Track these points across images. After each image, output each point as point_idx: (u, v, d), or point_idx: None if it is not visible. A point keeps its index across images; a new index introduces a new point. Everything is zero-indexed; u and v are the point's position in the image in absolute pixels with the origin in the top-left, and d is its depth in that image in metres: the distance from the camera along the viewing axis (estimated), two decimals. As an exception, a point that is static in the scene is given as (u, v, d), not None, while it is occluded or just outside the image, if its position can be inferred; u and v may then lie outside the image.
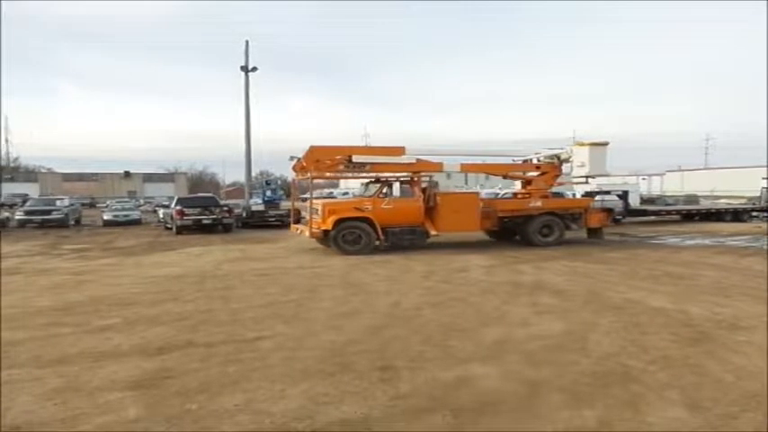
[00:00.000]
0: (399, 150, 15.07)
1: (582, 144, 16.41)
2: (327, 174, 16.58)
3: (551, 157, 17.15)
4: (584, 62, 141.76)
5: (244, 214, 25.85)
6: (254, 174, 38.64)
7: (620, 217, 23.53)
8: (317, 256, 13.85)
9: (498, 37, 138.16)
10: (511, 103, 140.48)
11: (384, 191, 15.23)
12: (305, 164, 15.09)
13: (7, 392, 4.36)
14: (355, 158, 14.81)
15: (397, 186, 15.35)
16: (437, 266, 11.73)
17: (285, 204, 26.75)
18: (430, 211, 15.18)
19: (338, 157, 14.87)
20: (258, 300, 8.29)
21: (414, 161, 15.11)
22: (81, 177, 76.88)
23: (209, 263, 12.91)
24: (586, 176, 16.64)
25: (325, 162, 14.98)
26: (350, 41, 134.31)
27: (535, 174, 16.93)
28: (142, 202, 52.74)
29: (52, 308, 7.78)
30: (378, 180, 15.71)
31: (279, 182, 39.36)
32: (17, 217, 27.63)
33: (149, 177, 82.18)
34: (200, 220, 22.06)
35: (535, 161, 17.49)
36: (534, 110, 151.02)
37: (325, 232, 14.61)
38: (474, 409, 4.02)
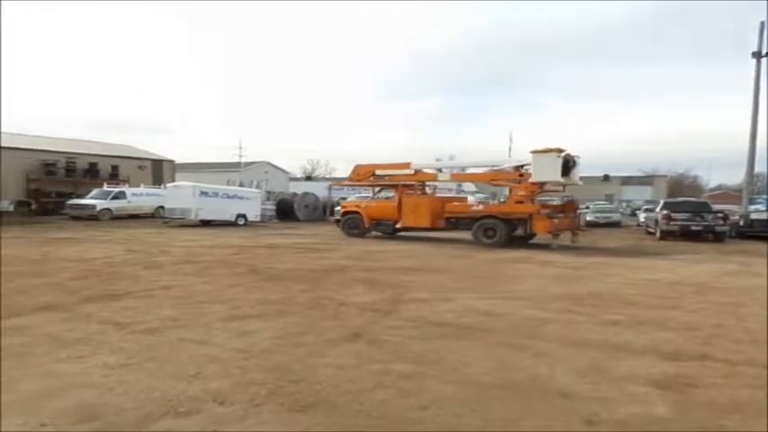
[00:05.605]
0: (406, 165, 19.62)
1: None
2: (365, 183, 21.89)
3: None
4: None
5: (741, 222, 23.15)
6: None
7: None
8: None
9: None
10: None
11: (375, 194, 20.96)
12: (352, 177, 21.37)
13: (542, 363, 5.19)
14: (378, 172, 20.27)
15: (370, 191, 21.77)
16: None
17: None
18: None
19: (370, 171, 20.49)
20: (782, 323, 7.06)
21: (412, 172, 19.50)
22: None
23: (705, 273, 11.87)
24: (540, 183, 17.04)
25: (364, 175, 20.69)
26: None
27: (515, 182, 17.99)
28: (621, 205, 53.39)
29: (562, 296, 8.79)
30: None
31: None
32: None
33: (627, 180, 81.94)
34: (689, 225, 20.66)
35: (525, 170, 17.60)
36: None
37: (337, 221, 23.06)
38: None
